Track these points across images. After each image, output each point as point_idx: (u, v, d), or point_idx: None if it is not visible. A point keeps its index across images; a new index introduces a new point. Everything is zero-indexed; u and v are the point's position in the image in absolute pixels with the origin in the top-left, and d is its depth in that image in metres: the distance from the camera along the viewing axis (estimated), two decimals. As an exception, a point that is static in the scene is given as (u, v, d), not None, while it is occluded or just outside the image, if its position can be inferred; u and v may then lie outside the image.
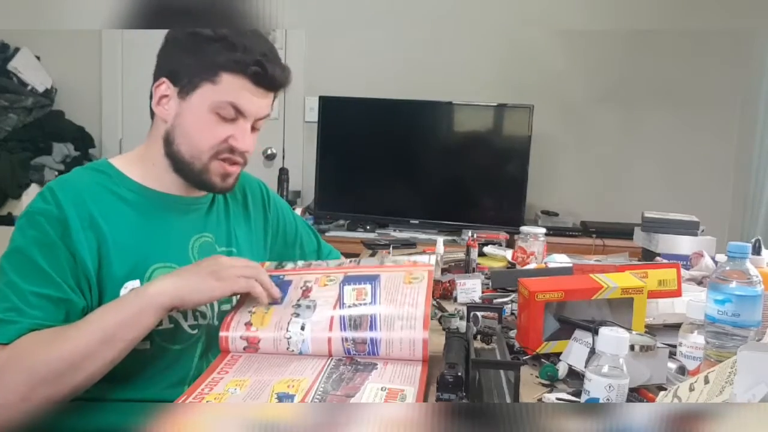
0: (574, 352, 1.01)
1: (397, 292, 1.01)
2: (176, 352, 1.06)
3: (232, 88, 1.04)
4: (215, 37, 1.03)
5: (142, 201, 1.08)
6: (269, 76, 1.05)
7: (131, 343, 0.95)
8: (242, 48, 1.03)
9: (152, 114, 1.11)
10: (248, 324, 1.00)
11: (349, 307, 0.99)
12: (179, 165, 1.09)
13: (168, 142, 1.08)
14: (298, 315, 1.00)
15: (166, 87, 1.07)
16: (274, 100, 1.11)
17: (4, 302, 0.95)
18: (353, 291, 1.02)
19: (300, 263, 1.18)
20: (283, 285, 1.07)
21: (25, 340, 0.92)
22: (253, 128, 1.11)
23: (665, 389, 0.87)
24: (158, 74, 1.08)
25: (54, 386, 0.90)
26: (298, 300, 1.03)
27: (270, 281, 1.03)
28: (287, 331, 0.98)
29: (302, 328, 0.98)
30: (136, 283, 1.03)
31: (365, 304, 1.00)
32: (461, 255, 1.79)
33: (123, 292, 1.01)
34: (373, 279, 1.04)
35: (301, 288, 1.06)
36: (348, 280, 1.05)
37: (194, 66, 1.04)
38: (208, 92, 1.04)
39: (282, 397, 0.85)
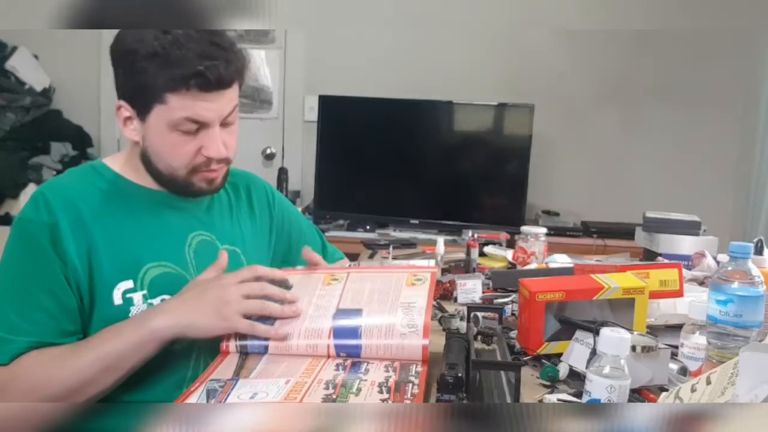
0: (575, 353, 1.00)
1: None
2: (174, 354, 1.04)
3: (181, 105, 0.99)
4: (148, 54, 0.96)
5: (134, 199, 1.07)
6: (213, 80, 0.98)
7: (130, 371, 0.96)
8: (177, 61, 0.96)
9: None
10: None
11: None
12: (161, 180, 1.08)
13: (146, 160, 1.06)
14: None
15: (125, 109, 1.04)
16: (240, 87, 1.05)
17: (0, 321, 0.95)
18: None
19: (299, 267, 1.17)
20: None
21: (24, 362, 0.93)
22: (226, 124, 1.05)
23: (667, 390, 0.87)
24: (117, 94, 1.04)
25: None
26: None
27: (278, 308, 1.00)
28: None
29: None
30: (129, 283, 1.02)
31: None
32: (461, 255, 1.78)
33: (116, 293, 1.01)
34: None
35: None
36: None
37: (140, 88, 0.99)
38: (161, 113, 1.00)
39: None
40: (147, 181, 1.09)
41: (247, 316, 0.98)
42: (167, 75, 0.97)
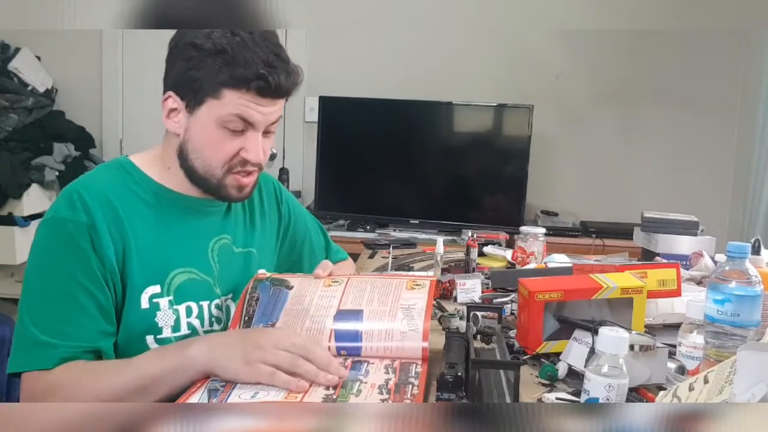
0: (573, 352, 1.01)
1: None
2: None
3: (236, 103, 1.00)
4: (214, 50, 0.98)
5: (163, 203, 1.07)
6: (273, 87, 1.01)
7: (164, 396, 0.92)
8: (242, 62, 0.98)
9: None
10: None
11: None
12: (194, 178, 1.07)
13: (182, 156, 1.06)
14: None
15: (173, 101, 1.04)
16: (286, 101, 1.08)
17: (43, 324, 0.95)
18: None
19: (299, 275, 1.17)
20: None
21: (68, 371, 0.93)
22: (267, 132, 1.07)
23: (665, 389, 0.88)
24: (165, 86, 1.05)
25: None
26: None
27: (312, 370, 0.90)
28: None
29: None
30: (156, 288, 1.02)
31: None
32: (461, 255, 1.79)
33: (144, 297, 1.01)
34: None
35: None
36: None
37: (197, 81, 1.01)
38: (213, 107, 1.01)
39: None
40: (175, 184, 1.08)
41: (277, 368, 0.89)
42: (230, 72, 0.99)
